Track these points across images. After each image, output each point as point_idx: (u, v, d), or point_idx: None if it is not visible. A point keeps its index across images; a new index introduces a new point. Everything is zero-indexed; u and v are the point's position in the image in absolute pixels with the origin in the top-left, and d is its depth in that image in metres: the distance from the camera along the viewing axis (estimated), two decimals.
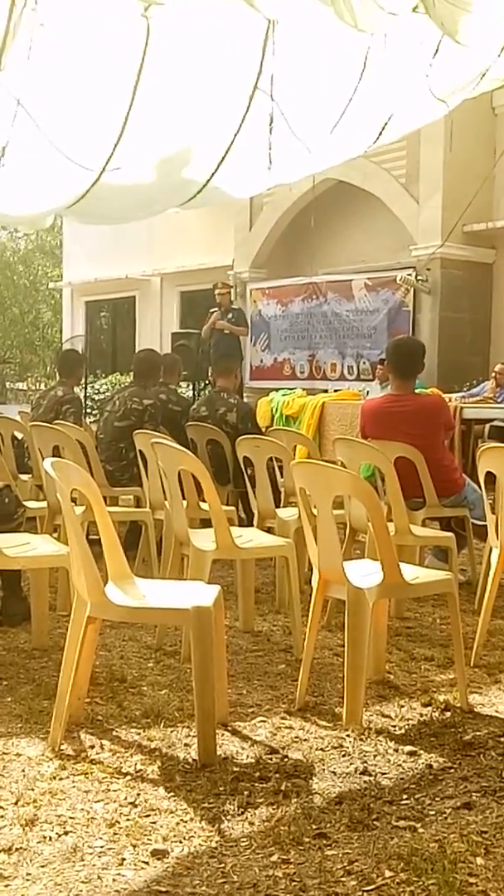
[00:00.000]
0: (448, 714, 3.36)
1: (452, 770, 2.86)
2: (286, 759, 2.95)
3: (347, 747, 3.04)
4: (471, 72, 5.12)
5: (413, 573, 3.53)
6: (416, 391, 5.59)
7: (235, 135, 4.98)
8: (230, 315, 11.93)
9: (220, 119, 4.98)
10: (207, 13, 4.06)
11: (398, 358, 5.43)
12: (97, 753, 2.98)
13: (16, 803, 2.61)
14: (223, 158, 5.17)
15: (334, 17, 3.49)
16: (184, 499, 4.58)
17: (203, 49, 4.49)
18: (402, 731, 3.21)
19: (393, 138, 6.03)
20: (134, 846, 2.38)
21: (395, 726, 3.25)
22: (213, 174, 5.30)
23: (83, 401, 10.80)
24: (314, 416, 9.77)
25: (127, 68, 4.29)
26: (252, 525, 5.13)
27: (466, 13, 3.75)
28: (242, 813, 2.56)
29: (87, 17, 4.04)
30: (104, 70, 4.42)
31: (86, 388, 14.45)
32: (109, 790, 2.71)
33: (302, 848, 2.36)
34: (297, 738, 3.14)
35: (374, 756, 2.98)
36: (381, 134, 5.70)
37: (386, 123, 5.62)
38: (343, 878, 2.22)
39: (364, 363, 13.28)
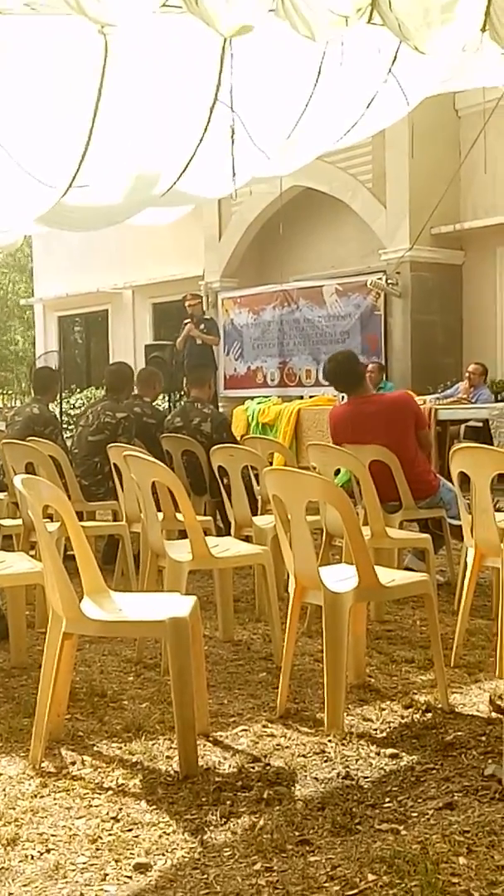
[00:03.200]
0: (429, 715, 3.37)
1: (434, 771, 2.87)
2: (268, 767, 2.95)
3: (329, 752, 3.05)
4: (432, 76, 5.16)
5: (389, 576, 3.54)
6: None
7: (198, 145, 5.01)
8: (202, 325, 12.11)
9: (184, 130, 5.00)
10: (164, 29, 4.08)
11: (341, 377, 5.43)
12: (78, 769, 2.97)
13: None
14: (186, 166, 5.20)
15: (290, 30, 3.51)
16: (160, 510, 4.58)
17: (162, 63, 4.51)
18: (384, 733, 3.22)
19: (358, 138, 6.07)
20: (116, 861, 2.37)
21: (376, 729, 3.25)
22: (175, 181, 5.32)
23: (59, 416, 10.79)
24: (290, 422, 9.80)
25: (87, 85, 4.30)
26: (230, 534, 5.13)
27: (437, 25, 3.72)
28: (225, 823, 2.56)
29: (45, 35, 4.05)
30: (65, 87, 4.43)
31: (61, 404, 14.40)
32: (91, 806, 2.70)
33: (285, 855, 2.36)
34: (278, 745, 3.14)
35: (356, 760, 2.98)
36: (345, 134, 5.74)
37: (349, 129, 5.66)
38: (326, 884, 2.21)
39: None
